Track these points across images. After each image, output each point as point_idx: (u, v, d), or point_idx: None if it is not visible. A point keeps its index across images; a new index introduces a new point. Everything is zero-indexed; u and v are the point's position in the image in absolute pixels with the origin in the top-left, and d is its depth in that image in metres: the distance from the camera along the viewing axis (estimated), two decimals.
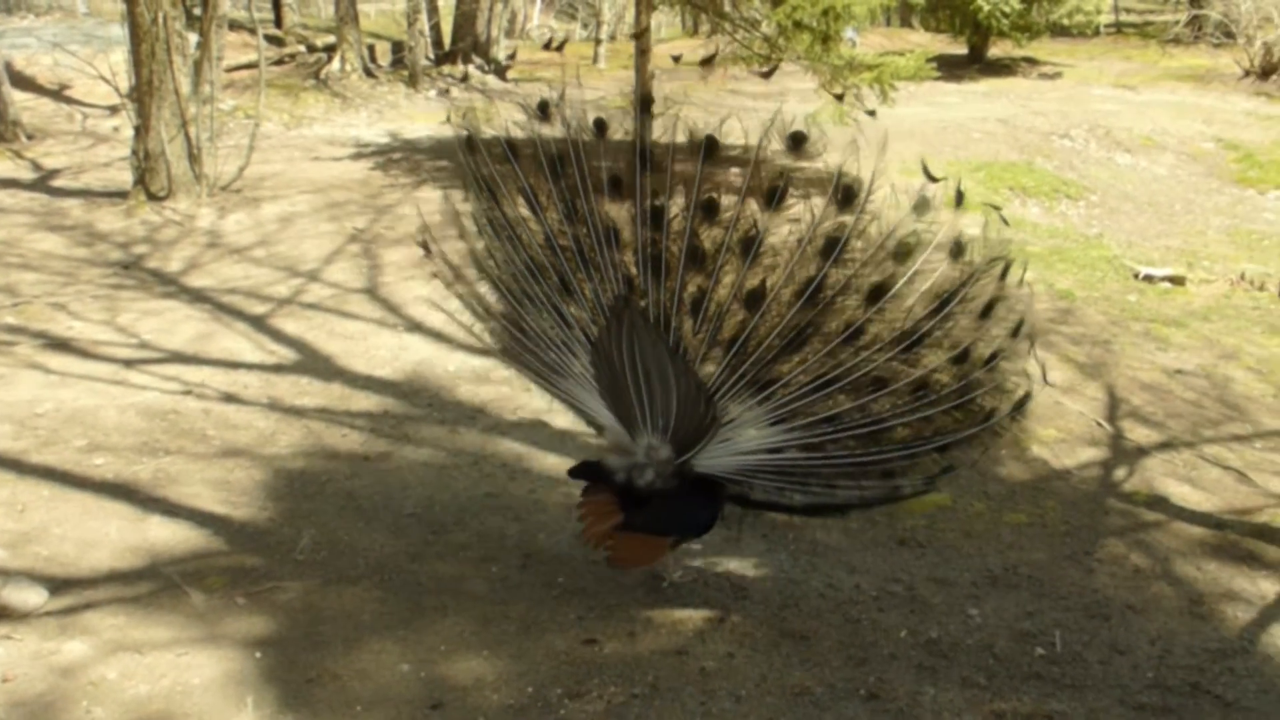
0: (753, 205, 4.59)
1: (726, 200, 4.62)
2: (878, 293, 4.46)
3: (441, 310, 8.59)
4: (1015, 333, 4.54)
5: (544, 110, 4.85)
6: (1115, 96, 20.25)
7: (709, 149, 4.60)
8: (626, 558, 4.71)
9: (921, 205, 4.43)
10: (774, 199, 4.54)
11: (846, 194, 4.46)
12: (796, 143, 4.49)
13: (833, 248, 4.44)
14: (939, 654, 4.61)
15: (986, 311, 4.50)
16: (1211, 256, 12.05)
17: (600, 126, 4.82)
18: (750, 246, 4.54)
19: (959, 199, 4.55)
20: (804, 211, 4.53)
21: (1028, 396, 4.64)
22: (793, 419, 4.52)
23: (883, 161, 4.43)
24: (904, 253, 4.44)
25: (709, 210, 4.61)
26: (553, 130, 4.84)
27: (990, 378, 4.54)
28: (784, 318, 4.48)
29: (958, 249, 4.44)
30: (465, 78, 20.94)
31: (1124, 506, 6.08)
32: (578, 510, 4.79)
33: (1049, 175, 14.54)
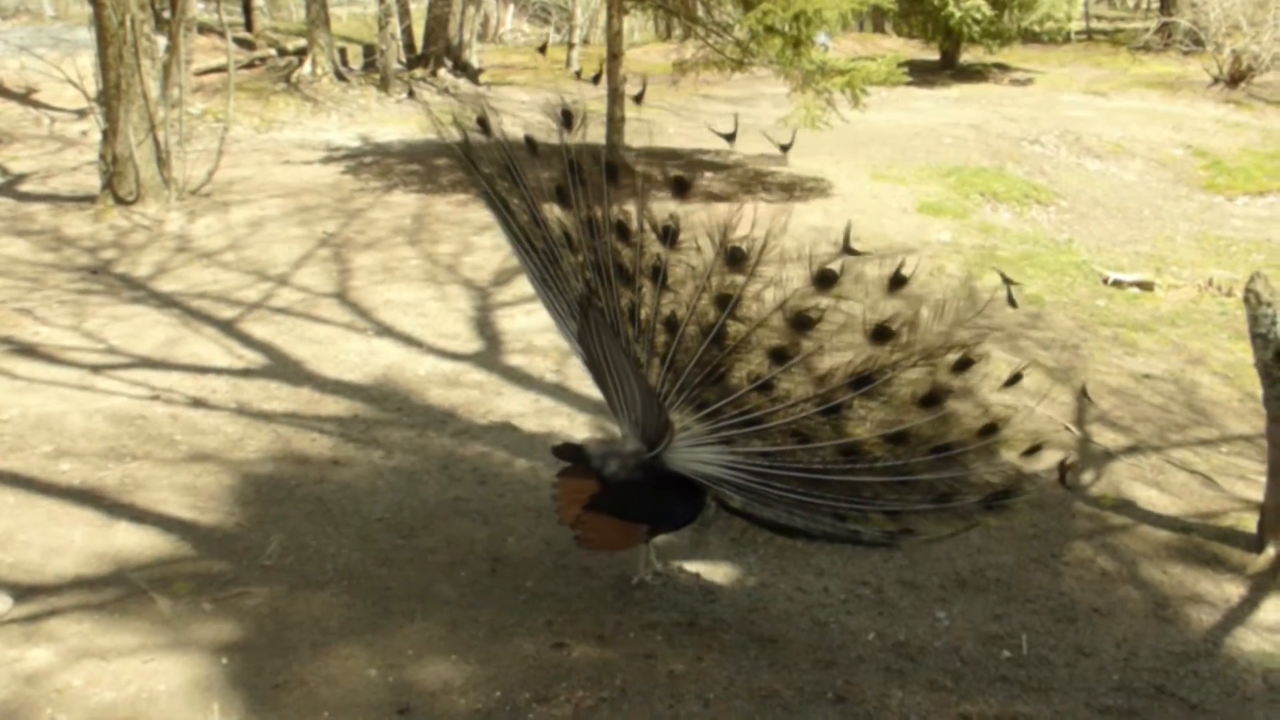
0: (653, 236, 4.63)
1: (635, 225, 4.65)
2: (779, 355, 4.43)
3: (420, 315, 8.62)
4: (985, 433, 4.35)
5: (483, 125, 4.86)
6: (1086, 103, 20.38)
7: (611, 173, 4.63)
8: (595, 538, 4.72)
9: (824, 279, 4.33)
10: (668, 237, 4.59)
11: (734, 255, 4.42)
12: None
13: (726, 301, 4.44)
14: (907, 657, 4.63)
15: (929, 402, 4.32)
16: (1180, 262, 12.13)
17: (531, 144, 4.86)
18: (658, 274, 4.60)
19: (896, 283, 4.34)
20: (698, 260, 4.54)
21: (1004, 494, 4.39)
22: (734, 444, 4.53)
23: (780, 223, 4.38)
24: (804, 324, 4.36)
25: (622, 232, 4.66)
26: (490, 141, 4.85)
27: (944, 465, 4.38)
28: (697, 351, 4.52)
29: (881, 334, 4.28)
30: (437, 81, 20.89)
31: (1091, 510, 6.11)
32: (552, 490, 4.82)
33: (1019, 181, 14.60)
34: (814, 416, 4.41)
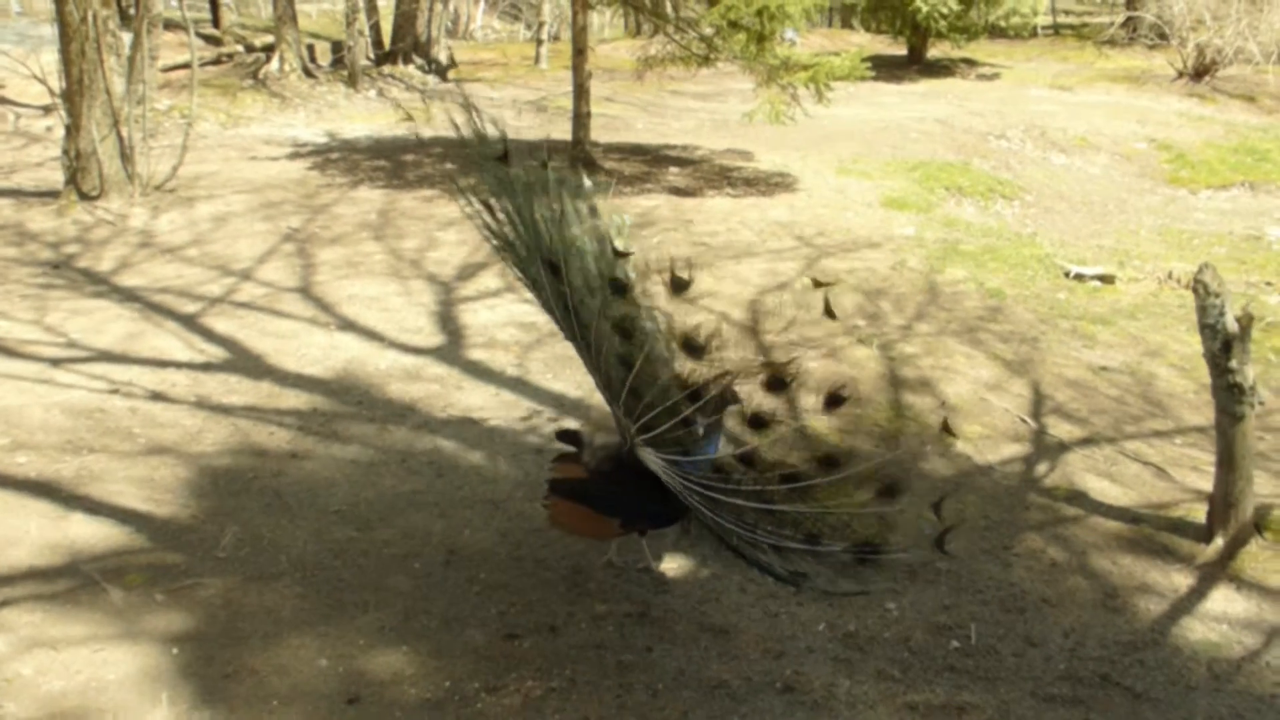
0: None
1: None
2: (625, 362, 4.39)
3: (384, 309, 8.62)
4: (827, 465, 4.37)
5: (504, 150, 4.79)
6: (1051, 97, 20.52)
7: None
8: (562, 521, 4.78)
9: (617, 288, 4.30)
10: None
11: (552, 266, 4.35)
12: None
13: (569, 312, 4.41)
14: (856, 647, 4.67)
15: (755, 424, 4.39)
16: (1142, 255, 12.21)
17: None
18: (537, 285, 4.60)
19: (677, 286, 4.38)
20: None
21: (871, 548, 4.44)
22: (658, 448, 4.48)
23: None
24: (626, 333, 4.34)
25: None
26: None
27: (797, 496, 4.41)
28: (585, 351, 4.51)
29: (691, 346, 4.34)
30: (406, 77, 20.86)
31: (1044, 501, 6.16)
32: (549, 472, 4.86)
33: (985, 175, 14.71)
34: (675, 428, 4.39)
